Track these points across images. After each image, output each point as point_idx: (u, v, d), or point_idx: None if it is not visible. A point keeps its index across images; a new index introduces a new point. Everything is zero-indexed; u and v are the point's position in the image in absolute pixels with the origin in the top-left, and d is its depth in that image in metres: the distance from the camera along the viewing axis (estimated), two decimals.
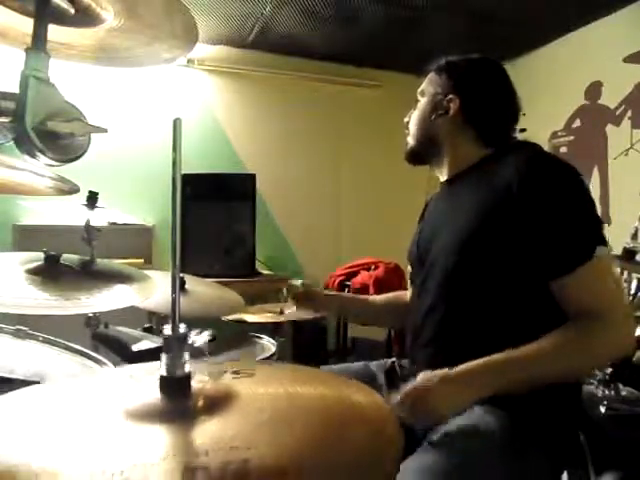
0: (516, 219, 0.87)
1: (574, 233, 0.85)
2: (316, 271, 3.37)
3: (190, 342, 1.35)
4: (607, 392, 1.20)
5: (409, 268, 1.23)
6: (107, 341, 1.26)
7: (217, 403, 0.47)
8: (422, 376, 0.81)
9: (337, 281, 3.03)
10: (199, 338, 1.45)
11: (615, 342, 0.85)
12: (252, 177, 2.91)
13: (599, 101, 2.93)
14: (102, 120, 0.69)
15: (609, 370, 1.21)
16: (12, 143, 0.66)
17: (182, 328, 0.49)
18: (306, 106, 3.55)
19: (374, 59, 3.55)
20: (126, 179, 3.03)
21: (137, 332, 1.36)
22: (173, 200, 0.49)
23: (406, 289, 1.32)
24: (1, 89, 0.65)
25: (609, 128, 2.87)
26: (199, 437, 0.42)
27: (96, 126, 0.72)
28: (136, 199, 3.06)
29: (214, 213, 2.82)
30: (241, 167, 3.33)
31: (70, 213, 1.33)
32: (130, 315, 1.19)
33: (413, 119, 1.12)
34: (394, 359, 1.19)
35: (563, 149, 3.14)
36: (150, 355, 1.12)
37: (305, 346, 2.97)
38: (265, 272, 3.12)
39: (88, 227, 1.17)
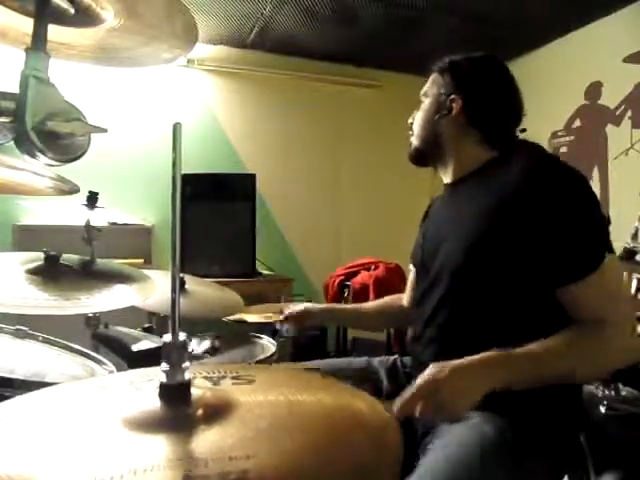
0: (524, 225, 0.87)
1: (583, 241, 0.85)
2: (316, 271, 3.37)
3: (190, 350, 1.35)
4: (607, 392, 1.20)
5: (411, 268, 1.23)
6: (107, 341, 1.26)
7: (217, 411, 0.47)
8: (432, 368, 0.79)
9: (337, 281, 3.03)
10: (199, 348, 1.45)
11: (622, 351, 0.85)
12: (252, 177, 2.91)
13: (599, 101, 2.93)
14: (102, 120, 0.69)
15: None
16: (12, 143, 0.66)
17: (182, 336, 0.49)
18: (306, 106, 3.55)
19: (374, 59, 3.55)
20: (126, 179, 3.03)
21: (137, 332, 1.35)
22: (173, 200, 0.49)
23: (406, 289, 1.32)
24: (1, 89, 0.65)
25: (609, 128, 2.87)
26: (199, 446, 0.42)
27: (96, 126, 0.72)
28: (136, 199, 3.06)
29: (214, 213, 2.82)
30: (241, 167, 3.32)
31: (70, 213, 1.33)
32: (130, 315, 1.19)
33: (417, 120, 1.12)
34: (396, 356, 1.19)
35: (563, 149, 3.14)
36: (150, 355, 1.11)
37: (305, 346, 2.96)
38: (265, 272, 3.12)
39: (88, 227, 1.17)
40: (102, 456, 0.41)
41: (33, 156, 0.66)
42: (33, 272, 1.00)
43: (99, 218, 1.20)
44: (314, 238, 3.53)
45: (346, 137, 3.66)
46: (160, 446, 0.42)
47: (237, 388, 0.54)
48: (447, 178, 1.11)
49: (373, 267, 2.95)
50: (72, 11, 0.71)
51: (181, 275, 1.33)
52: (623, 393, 1.21)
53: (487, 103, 1.04)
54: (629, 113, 2.76)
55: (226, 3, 2.72)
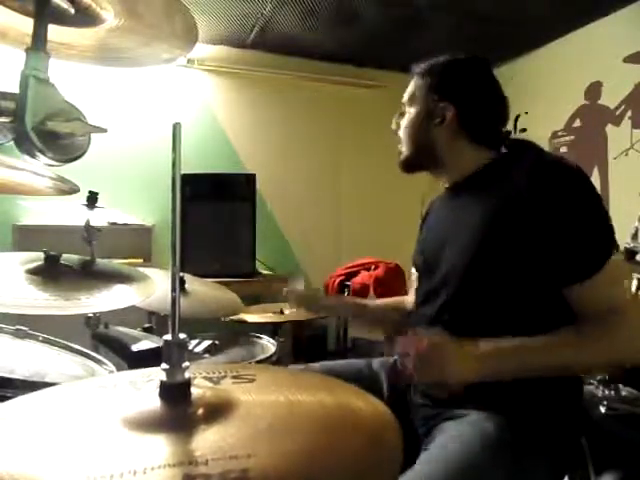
0: (529, 226, 0.87)
1: (590, 240, 0.85)
2: (316, 271, 3.37)
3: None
4: (607, 392, 1.20)
5: (413, 271, 1.22)
6: (107, 341, 1.26)
7: (217, 410, 0.47)
8: (438, 334, 0.82)
9: (337, 281, 3.03)
10: (199, 348, 1.45)
11: (632, 342, 0.85)
12: (252, 177, 2.91)
13: (599, 101, 2.93)
14: (102, 120, 0.69)
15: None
16: (12, 143, 0.66)
17: (182, 336, 0.49)
18: (306, 106, 3.55)
19: (374, 59, 3.55)
20: (126, 179, 3.03)
21: (137, 332, 1.35)
22: (173, 200, 0.49)
23: (406, 289, 1.32)
24: (1, 89, 0.65)
25: (609, 128, 2.87)
26: (199, 446, 0.42)
27: (96, 126, 0.71)
28: (136, 199, 3.06)
29: (214, 213, 2.82)
30: (241, 167, 3.33)
31: (70, 213, 1.33)
32: (130, 315, 1.19)
33: (404, 129, 1.08)
34: (396, 357, 1.18)
35: (563, 149, 3.14)
36: (150, 355, 1.11)
37: (305, 346, 2.97)
38: (265, 272, 3.12)
39: (88, 227, 1.17)
40: (102, 456, 0.41)
41: (33, 156, 0.66)
42: (33, 272, 1.00)
43: (99, 218, 1.20)
44: (314, 238, 3.53)
45: (346, 137, 3.66)
46: (160, 445, 0.42)
47: (237, 387, 0.54)
48: (445, 182, 1.10)
49: (373, 267, 2.95)
50: (72, 11, 0.71)
51: (181, 275, 1.33)
52: (623, 393, 1.21)
53: (477, 106, 1.04)
54: (629, 113, 2.76)
55: (226, 3, 2.72)
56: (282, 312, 1.91)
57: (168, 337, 0.49)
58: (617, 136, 2.82)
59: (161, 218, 3.07)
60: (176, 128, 0.49)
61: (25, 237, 2.64)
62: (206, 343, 1.47)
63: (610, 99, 2.86)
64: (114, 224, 2.82)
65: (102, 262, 1.15)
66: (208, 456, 0.39)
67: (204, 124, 3.30)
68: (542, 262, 0.86)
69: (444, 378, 0.80)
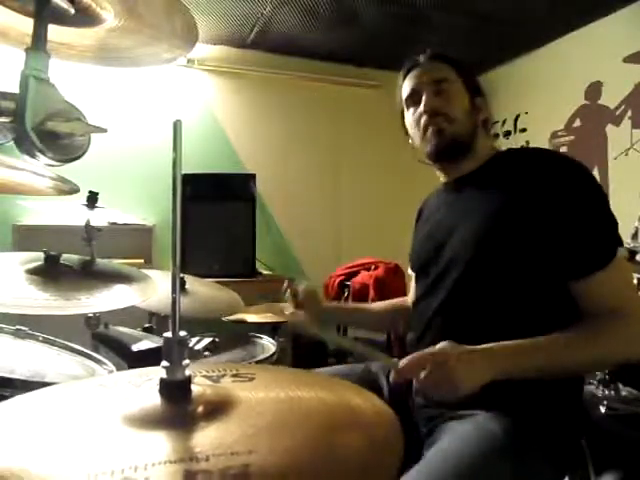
0: (535, 220, 0.87)
1: (597, 234, 0.85)
2: (316, 271, 3.37)
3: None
4: (607, 392, 1.20)
5: (410, 271, 1.22)
6: (107, 341, 1.26)
7: (217, 408, 0.47)
8: (446, 342, 0.79)
9: (337, 281, 3.03)
10: (198, 346, 1.45)
11: (638, 338, 0.84)
12: (252, 177, 2.91)
13: (599, 101, 2.93)
14: (102, 120, 0.69)
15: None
16: (12, 143, 0.66)
17: (182, 333, 0.49)
18: (306, 106, 3.55)
19: (374, 59, 3.55)
20: (126, 179, 3.03)
21: (137, 332, 1.36)
22: (173, 200, 0.49)
23: (406, 289, 1.32)
24: (1, 89, 0.65)
25: (609, 128, 2.87)
26: (199, 442, 0.42)
27: (96, 126, 0.71)
28: (136, 199, 3.06)
29: (214, 213, 2.82)
30: (241, 167, 3.33)
31: (70, 213, 1.33)
32: (130, 315, 1.19)
33: (458, 108, 1.01)
34: (395, 360, 1.18)
35: (563, 149, 3.14)
36: (150, 355, 1.12)
37: (305, 346, 2.96)
38: (265, 272, 3.12)
39: (88, 227, 1.17)
40: (103, 452, 0.41)
41: (33, 156, 0.66)
42: (33, 272, 1.00)
43: (99, 218, 1.21)
44: (314, 238, 3.53)
45: (346, 137, 3.66)
46: (161, 442, 0.43)
47: (237, 385, 0.54)
48: (454, 174, 1.08)
49: (373, 267, 2.95)
50: (72, 11, 0.71)
51: (181, 275, 1.33)
52: (623, 393, 1.21)
53: (486, 101, 1.07)
54: (629, 113, 2.76)
55: (226, 3, 2.72)
56: (282, 312, 1.91)
57: (168, 334, 0.49)
58: (617, 136, 2.82)
59: (161, 218, 3.07)
60: (177, 126, 0.49)
61: (25, 237, 2.64)
62: (206, 340, 1.48)
63: (610, 99, 2.86)
64: (114, 224, 2.82)
65: (102, 262, 1.15)
66: (209, 452, 0.39)
67: (204, 124, 3.30)
68: (547, 256, 0.87)
69: (456, 392, 0.77)
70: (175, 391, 0.48)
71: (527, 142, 3.39)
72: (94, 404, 0.51)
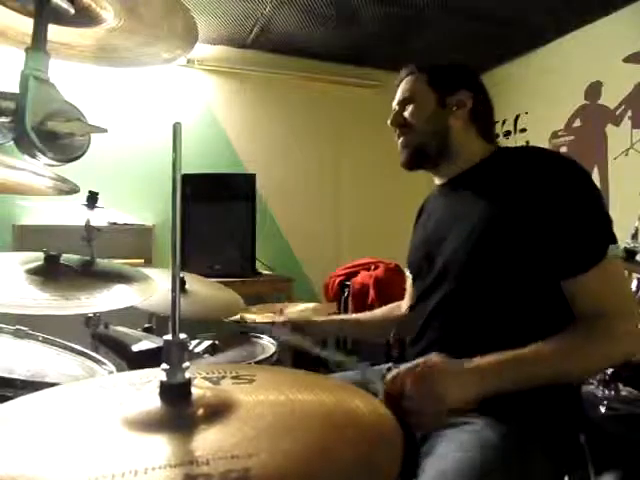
0: (528, 219, 0.87)
1: (588, 232, 0.85)
2: (316, 271, 3.37)
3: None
4: (607, 392, 1.20)
5: (408, 274, 1.22)
6: (107, 341, 1.26)
7: (217, 410, 0.47)
8: (432, 355, 0.79)
9: (337, 281, 3.03)
10: (199, 348, 1.45)
11: (632, 339, 0.84)
12: (252, 177, 2.91)
13: (599, 101, 2.93)
14: (102, 120, 0.69)
15: (609, 370, 1.21)
16: (12, 143, 0.66)
17: (182, 336, 0.49)
18: (306, 106, 3.55)
19: (374, 59, 3.55)
20: (126, 179, 3.03)
21: (137, 332, 1.35)
22: (173, 200, 0.49)
23: (406, 290, 1.32)
24: (1, 89, 0.65)
25: (609, 128, 2.87)
26: (200, 445, 0.42)
27: (96, 126, 0.71)
28: (136, 199, 3.06)
29: (214, 213, 2.82)
30: (241, 167, 3.33)
31: (70, 213, 1.33)
32: (130, 315, 1.19)
33: (417, 116, 1.05)
34: (391, 364, 1.18)
35: (563, 149, 3.14)
36: (150, 355, 1.11)
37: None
38: (265, 272, 3.12)
39: (88, 227, 1.17)
40: (103, 456, 0.41)
41: (33, 156, 0.66)
42: (33, 272, 0.99)
43: (99, 218, 1.20)
44: (314, 238, 3.53)
45: (346, 137, 3.66)
46: (161, 446, 0.42)
47: (237, 387, 0.54)
48: (444, 176, 1.09)
49: (373, 267, 2.95)
50: (72, 11, 0.71)
51: (181, 275, 1.32)
52: (623, 393, 1.21)
53: (485, 100, 1.07)
54: (629, 113, 2.76)
55: (226, 3, 2.72)
56: (282, 312, 1.91)
57: (168, 337, 0.49)
58: (617, 136, 2.82)
59: (161, 218, 3.07)
60: (176, 128, 0.49)
61: (25, 237, 2.64)
62: (206, 343, 1.47)
63: (610, 99, 2.86)
64: (114, 224, 2.82)
65: (102, 262, 1.15)
66: (209, 456, 0.39)
67: (204, 124, 3.30)
68: (538, 256, 0.87)
69: (440, 403, 0.75)
70: (175, 394, 0.48)
71: (527, 142, 3.39)
72: (94, 407, 0.51)
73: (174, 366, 0.48)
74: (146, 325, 1.55)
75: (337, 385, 0.59)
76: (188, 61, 3.21)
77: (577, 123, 3.07)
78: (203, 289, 1.54)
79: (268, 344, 1.61)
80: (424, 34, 3.05)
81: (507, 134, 3.53)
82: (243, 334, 1.66)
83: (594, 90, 2.95)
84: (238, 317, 1.65)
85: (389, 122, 1.09)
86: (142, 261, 2.79)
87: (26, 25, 0.70)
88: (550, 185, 0.87)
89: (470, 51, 2.86)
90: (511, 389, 0.80)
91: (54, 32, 0.71)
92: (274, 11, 2.82)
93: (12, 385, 0.83)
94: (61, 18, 0.71)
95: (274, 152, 3.48)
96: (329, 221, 3.62)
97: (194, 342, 1.46)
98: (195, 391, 0.49)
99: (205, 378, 0.56)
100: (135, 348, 1.14)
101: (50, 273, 1.00)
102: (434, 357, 0.79)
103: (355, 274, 2.99)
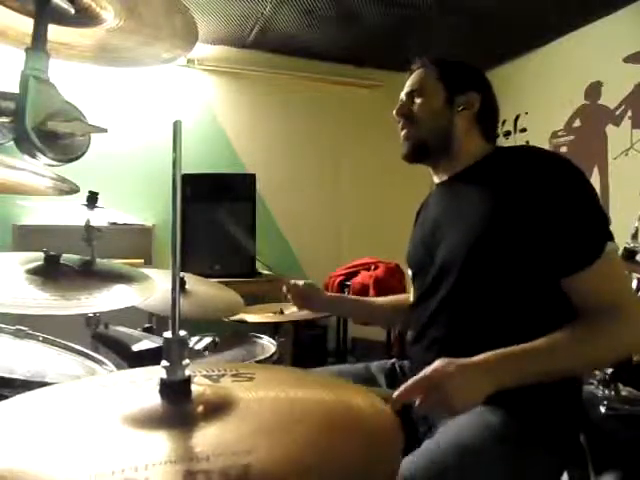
0: (527, 218, 0.87)
1: (586, 230, 0.86)
2: (316, 271, 3.37)
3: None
4: (607, 392, 1.20)
5: (409, 272, 1.22)
6: (107, 341, 1.26)
7: (217, 407, 0.47)
8: (439, 361, 0.78)
9: (337, 281, 3.03)
10: (198, 345, 1.45)
11: (633, 335, 0.84)
12: (252, 177, 2.91)
13: (599, 101, 2.92)
14: (102, 120, 0.69)
15: (609, 370, 1.21)
16: (12, 143, 0.66)
17: (182, 333, 0.49)
18: (306, 106, 3.55)
19: (374, 59, 3.55)
20: (126, 179, 3.03)
21: (137, 332, 1.35)
22: (173, 200, 0.49)
23: (406, 289, 1.32)
24: (1, 89, 0.65)
25: (609, 128, 2.87)
26: (199, 442, 0.42)
27: (96, 126, 0.72)
28: (136, 199, 3.06)
29: (214, 213, 2.82)
30: (241, 167, 3.32)
31: (70, 213, 1.33)
32: (130, 315, 1.19)
33: (423, 110, 1.06)
34: (394, 360, 1.18)
35: (563, 149, 3.14)
36: (150, 355, 1.11)
37: (305, 346, 2.97)
38: (265, 272, 3.12)
39: (88, 227, 1.17)
40: (104, 452, 0.41)
41: (33, 156, 0.66)
42: (33, 272, 1.00)
43: (99, 218, 1.20)
44: (314, 238, 3.53)
45: (346, 137, 3.66)
46: (161, 442, 0.43)
47: (237, 385, 0.54)
48: (443, 174, 1.10)
49: (373, 267, 2.95)
50: (72, 11, 0.71)
51: (181, 275, 1.33)
52: (623, 393, 1.20)
53: (491, 102, 1.09)
54: (629, 113, 2.75)
55: (226, 3, 2.72)
56: (282, 312, 1.91)
57: (168, 334, 0.49)
58: (617, 136, 2.82)
59: (161, 218, 3.07)
60: (177, 125, 0.49)
61: (25, 237, 2.64)
62: (206, 340, 1.47)
63: (610, 99, 2.85)
64: (114, 224, 2.82)
65: (102, 262, 1.15)
66: (209, 452, 0.39)
67: (204, 124, 3.30)
68: (540, 253, 0.87)
69: (456, 412, 0.77)
70: (175, 391, 0.48)
71: (527, 142, 3.39)
72: (94, 404, 0.51)
73: (174, 363, 0.48)
74: (146, 325, 1.56)
75: (337, 383, 0.59)
76: (188, 61, 3.21)
77: (577, 123, 3.07)
78: (203, 289, 1.54)
79: (268, 344, 1.61)
80: (424, 34, 3.05)
81: (507, 134, 3.52)
82: (243, 334, 1.66)
83: (594, 90, 2.95)
84: (238, 317, 1.65)
85: (394, 112, 1.09)
86: (142, 261, 2.79)
87: (26, 25, 0.70)
88: (545, 184, 0.88)
89: (470, 51, 2.86)
90: (531, 381, 0.80)
91: (54, 32, 0.72)
92: (274, 11, 2.82)
93: (12, 385, 0.84)
94: (61, 18, 0.72)
95: (274, 152, 3.48)
96: (329, 221, 3.62)
97: (194, 339, 1.46)
98: (195, 388, 0.49)
99: (205, 376, 0.57)
100: (135, 348, 1.14)
101: (50, 273, 1.00)
102: (440, 364, 0.78)
103: (355, 274, 2.99)
